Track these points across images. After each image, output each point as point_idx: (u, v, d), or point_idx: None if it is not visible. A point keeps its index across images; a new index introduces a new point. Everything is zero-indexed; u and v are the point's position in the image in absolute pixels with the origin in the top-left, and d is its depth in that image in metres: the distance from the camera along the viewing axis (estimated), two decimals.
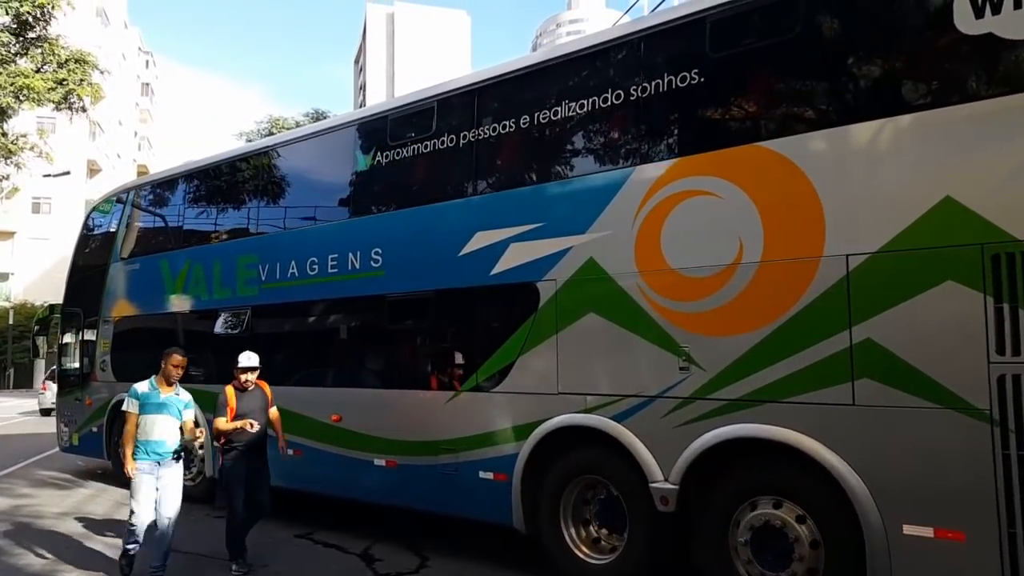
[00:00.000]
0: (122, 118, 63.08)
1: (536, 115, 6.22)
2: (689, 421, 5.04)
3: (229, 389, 6.38)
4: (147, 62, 73.92)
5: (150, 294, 9.91)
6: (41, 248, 50.26)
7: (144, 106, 72.57)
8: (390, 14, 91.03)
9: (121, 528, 7.65)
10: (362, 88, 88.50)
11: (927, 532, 4.14)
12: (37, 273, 49.74)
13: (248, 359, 6.49)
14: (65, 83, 26.90)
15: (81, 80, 27.33)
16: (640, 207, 5.41)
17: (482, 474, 6.17)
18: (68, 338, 11.51)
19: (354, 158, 7.69)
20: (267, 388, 6.60)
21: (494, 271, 6.22)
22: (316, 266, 7.71)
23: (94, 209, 11.59)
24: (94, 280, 10.82)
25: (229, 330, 8.86)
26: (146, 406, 5.93)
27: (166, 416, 5.97)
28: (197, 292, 9.22)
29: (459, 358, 6.63)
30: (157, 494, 5.90)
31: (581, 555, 5.68)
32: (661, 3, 7.49)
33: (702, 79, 5.26)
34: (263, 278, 8.30)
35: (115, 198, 11.16)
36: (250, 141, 38.85)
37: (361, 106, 79.48)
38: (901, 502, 4.23)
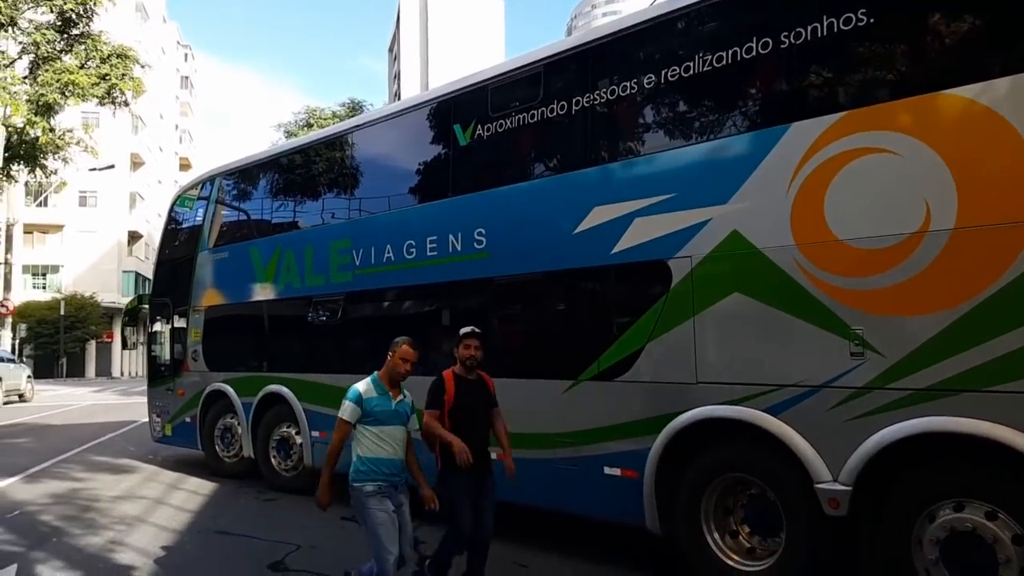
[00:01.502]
0: (163, 111, 63.73)
1: (663, 73, 5.55)
2: (864, 414, 4.37)
3: (448, 375, 5.01)
4: (186, 55, 74.51)
5: (240, 282, 9.60)
6: (88, 240, 51.15)
7: (184, 99, 73.23)
8: (423, 1, 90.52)
9: (175, 509, 7.92)
10: (396, 77, 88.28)
11: None
12: (85, 265, 50.64)
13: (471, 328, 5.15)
14: (108, 78, 27.04)
15: (123, 75, 27.48)
16: (796, 170, 4.72)
17: (607, 470, 5.59)
18: (158, 328, 11.31)
19: (452, 133, 7.11)
20: (490, 380, 5.23)
21: (616, 249, 5.62)
22: (414, 249, 7.22)
23: (178, 198, 11.31)
24: (182, 269, 10.57)
25: (322, 318, 8.46)
26: (374, 415, 4.54)
27: (397, 428, 4.61)
28: (288, 279, 8.83)
29: (576, 345, 6.04)
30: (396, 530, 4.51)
31: (728, 561, 5.04)
32: None
33: (872, 19, 4.54)
34: (357, 263, 7.85)
35: (200, 186, 10.85)
36: (289, 133, 39.02)
37: (396, 96, 79.69)
38: None
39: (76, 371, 47.91)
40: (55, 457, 11.53)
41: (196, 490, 8.99)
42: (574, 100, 6.06)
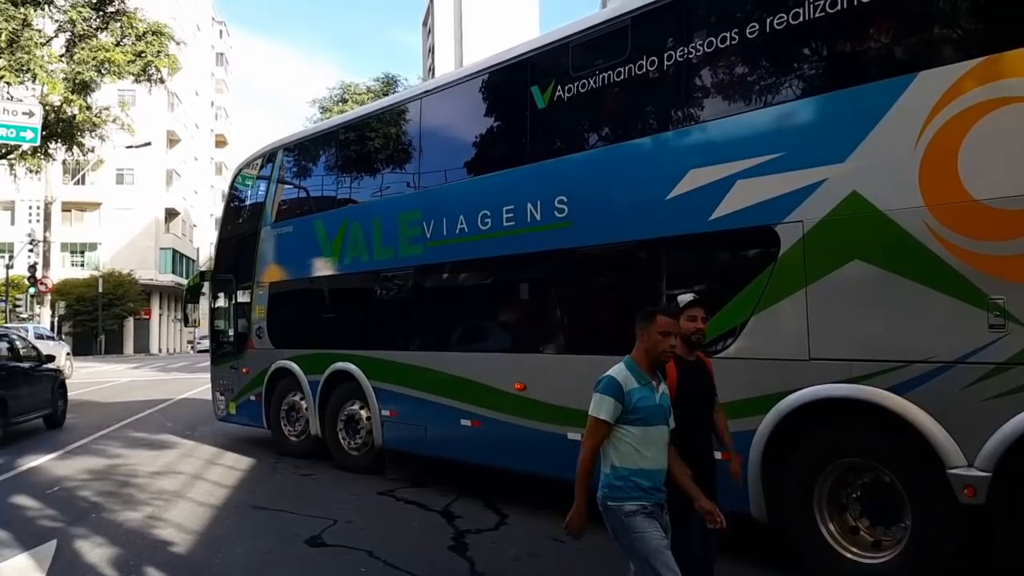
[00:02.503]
0: (198, 88, 64.02)
1: (768, 20, 5.08)
2: (1004, 393, 3.96)
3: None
4: (220, 32, 74.80)
5: (305, 257, 9.33)
6: (125, 218, 51.74)
7: (219, 76, 73.58)
8: None
9: (212, 484, 7.93)
10: (431, 51, 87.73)
11: None
12: (122, 242, 51.24)
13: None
14: (143, 55, 27.00)
15: (159, 52, 27.42)
16: (925, 124, 4.30)
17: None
18: (221, 305, 11.14)
19: (529, 96, 6.70)
20: (709, 362, 4.18)
21: (715, 215, 5.20)
22: (488, 220, 6.85)
23: (239, 173, 11.08)
24: (245, 245, 10.37)
25: (391, 293, 8.20)
26: (638, 411, 3.38)
27: (661, 428, 3.45)
28: (356, 253, 8.53)
29: None
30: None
31: (845, 552, 4.64)
32: None
33: None
34: (428, 235, 7.51)
35: (261, 160, 10.59)
36: (324, 109, 38.91)
37: (431, 71, 79.19)
38: None
39: (114, 348, 48.65)
40: (94, 433, 11.60)
41: (233, 465, 9.00)
42: (666, 55, 5.63)
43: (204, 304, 12.73)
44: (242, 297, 10.48)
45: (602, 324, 6.41)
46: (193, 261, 60.25)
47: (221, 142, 75.28)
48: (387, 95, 37.81)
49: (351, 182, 9.10)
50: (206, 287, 11.83)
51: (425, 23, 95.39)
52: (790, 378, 4.77)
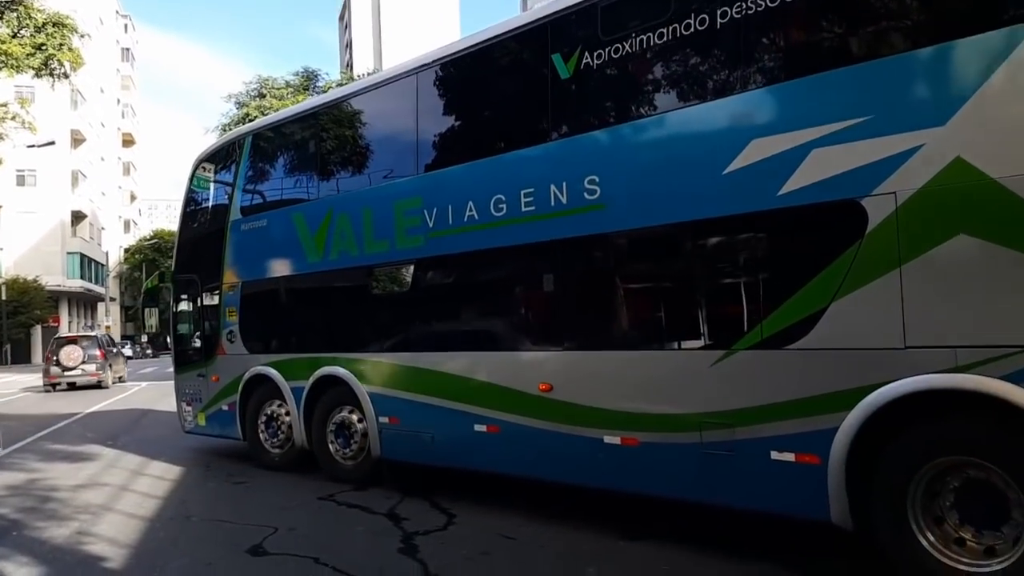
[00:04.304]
0: (103, 85, 61.42)
1: None
2: None
3: None
4: (125, 26, 71.83)
5: (282, 253, 8.51)
6: (28, 221, 49.37)
7: (125, 72, 70.72)
8: None
9: (141, 496, 7.44)
10: (348, 46, 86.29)
11: None
12: (26, 247, 48.89)
13: None
14: (44, 48, 25.65)
15: (61, 44, 26.11)
16: None
17: (776, 455, 4.64)
18: (184, 308, 10.25)
19: (550, 65, 6.07)
20: None
21: (785, 189, 4.63)
22: (503, 205, 6.23)
23: (202, 161, 10.03)
24: (211, 242, 9.41)
25: (387, 290, 7.57)
26: None
27: None
28: (343, 247, 7.74)
29: (729, 308, 5.08)
30: None
31: (947, 560, 4.15)
32: None
33: None
34: (431, 225, 6.83)
35: (227, 148, 9.72)
36: (240, 104, 37.76)
37: (348, 66, 77.72)
38: None
39: (21, 358, 46.26)
40: (8, 447, 10.94)
41: (162, 475, 8.54)
42: (720, 11, 5.02)
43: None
44: (208, 299, 9.60)
45: (640, 317, 5.85)
46: (102, 265, 57.73)
47: (129, 141, 72.33)
48: (307, 90, 37.09)
49: (336, 169, 8.33)
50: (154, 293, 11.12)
51: (342, 18, 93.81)
52: (881, 369, 4.26)
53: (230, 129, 31.32)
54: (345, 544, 5.71)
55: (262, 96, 37.03)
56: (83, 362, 22.71)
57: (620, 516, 6.05)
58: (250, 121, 25.02)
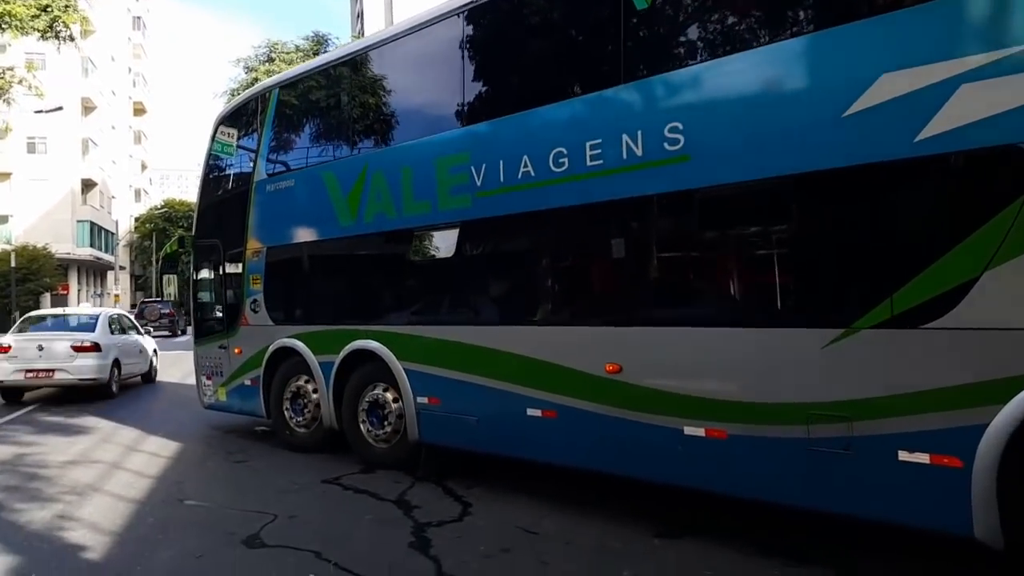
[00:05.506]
0: (115, 53, 60.97)
1: None
2: None
3: None
4: None
5: (312, 216, 7.91)
6: (39, 189, 49.11)
7: (137, 40, 70.10)
8: None
9: (134, 475, 7.05)
10: (359, 16, 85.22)
11: None
12: (36, 215, 48.65)
13: None
14: (49, 9, 25.12)
15: (66, 6, 25.55)
16: None
17: (904, 455, 3.97)
18: (205, 276, 9.71)
19: None
20: None
21: (924, 134, 3.90)
22: (564, 159, 5.52)
23: (224, 119, 9.42)
24: (234, 205, 8.86)
25: (427, 256, 6.95)
26: None
27: None
28: (379, 209, 7.08)
29: (848, 279, 4.42)
30: None
31: None
32: None
33: None
34: (479, 184, 6.13)
35: (250, 104, 9.09)
36: (249, 68, 37.02)
37: (360, 35, 76.52)
38: None
39: None
40: (2, 417, 10.66)
41: (157, 452, 8.11)
42: None
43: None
44: (232, 266, 8.99)
45: (730, 288, 5.16)
46: (112, 234, 57.47)
47: (140, 110, 71.77)
48: (317, 55, 36.33)
49: (371, 123, 7.66)
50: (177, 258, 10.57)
51: None
52: None
53: (238, 94, 30.68)
54: (350, 536, 5.25)
55: (271, 60, 36.34)
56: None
57: (655, 510, 5.49)
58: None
